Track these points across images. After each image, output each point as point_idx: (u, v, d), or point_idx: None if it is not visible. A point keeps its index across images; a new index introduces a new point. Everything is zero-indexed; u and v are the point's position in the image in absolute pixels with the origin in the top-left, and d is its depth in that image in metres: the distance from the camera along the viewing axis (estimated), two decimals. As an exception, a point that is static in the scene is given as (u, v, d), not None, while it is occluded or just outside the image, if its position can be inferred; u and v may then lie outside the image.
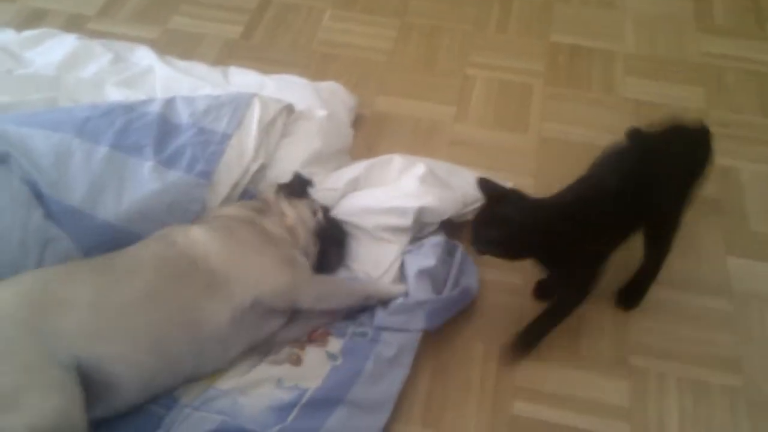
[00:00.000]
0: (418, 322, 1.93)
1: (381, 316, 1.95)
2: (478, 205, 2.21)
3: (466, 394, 1.92)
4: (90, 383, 1.60)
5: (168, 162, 1.99)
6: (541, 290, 2.08)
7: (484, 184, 1.77)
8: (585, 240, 1.78)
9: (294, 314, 1.94)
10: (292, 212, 2.07)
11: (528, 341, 1.96)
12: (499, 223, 1.70)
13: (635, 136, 1.93)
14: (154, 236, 1.90)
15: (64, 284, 1.69)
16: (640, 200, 1.84)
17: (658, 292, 2.07)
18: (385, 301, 1.98)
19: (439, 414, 1.87)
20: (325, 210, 2.15)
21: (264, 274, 1.86)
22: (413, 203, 2.08)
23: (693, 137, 1.99)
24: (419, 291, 1.97)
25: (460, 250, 2.11)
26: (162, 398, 1.77)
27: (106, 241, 1.88)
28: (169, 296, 1.75)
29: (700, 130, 2.00)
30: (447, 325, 2.00)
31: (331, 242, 2.10)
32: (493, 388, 1.92)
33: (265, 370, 1.84)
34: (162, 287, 1.76)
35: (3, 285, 1.69)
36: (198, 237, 1.87)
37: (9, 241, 1.80)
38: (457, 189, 2.20)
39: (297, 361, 1.86)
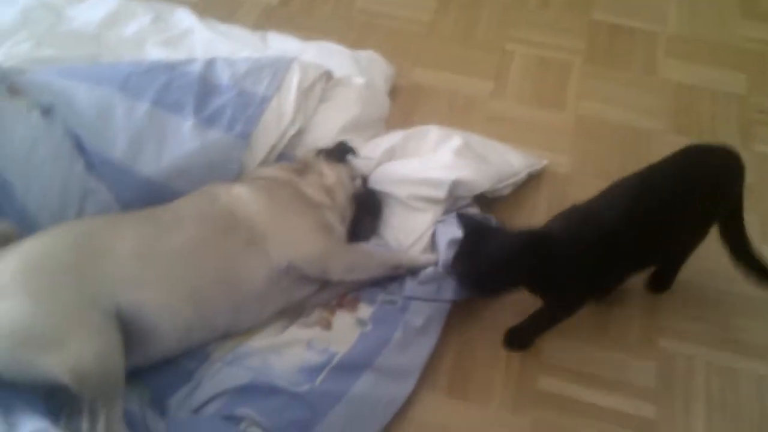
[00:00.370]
0: (448, 293, 1.94)
1: (410, 286, 1.96)
2: (512, 181, 2.22)
3: (492, 367, 1.93)
4: (129, 330, 1.63)
5: (208, 121, 2.01)
6: None
7: (464, 220, 1.75)
8: (573, 274, 1.73)
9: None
10: (332, 173, 2.08)
11: (521, 342, 1.96)
12: (481, 260, 1.67)
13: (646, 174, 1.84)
14: (196, 192, 1.93)
15: (109, 233, 1.72)
16: (644, 239, 1.75)
17: (690, 276, 2.05)
18: (414, 271, 1.98)
19: (464, 385, 1.89)
20: (364, 179, 2.16)
21: (299, 238, 1.88)
22: (448, 175, 2.07)
23: (716, 163, 1.86)
24: (448, 263, 1.96)
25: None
26: (194, 353, 1.80)
27: (145, 196, 1.91)
28: (210, 250, 1.78)
29: (727, 154, 1.88)
30: (475, 299, 2.00)
31: (366, 210, 2.11)
32: (520, 363, 1.93)
33: (295, 332, 1.86)
34: (203, 241, 1.78)
35: (51, 231, 1.72)
36: (240, 195, 1.90)
37: (51, 190, 1.83)
38: (492, 164, 2.19)
39: (327, 325, 1.88)
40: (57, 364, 1.49)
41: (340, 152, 2.15)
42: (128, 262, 1.68)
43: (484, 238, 1.71)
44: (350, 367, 1.79)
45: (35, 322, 1.52)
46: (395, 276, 1.99)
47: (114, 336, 1.57)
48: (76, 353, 1.50)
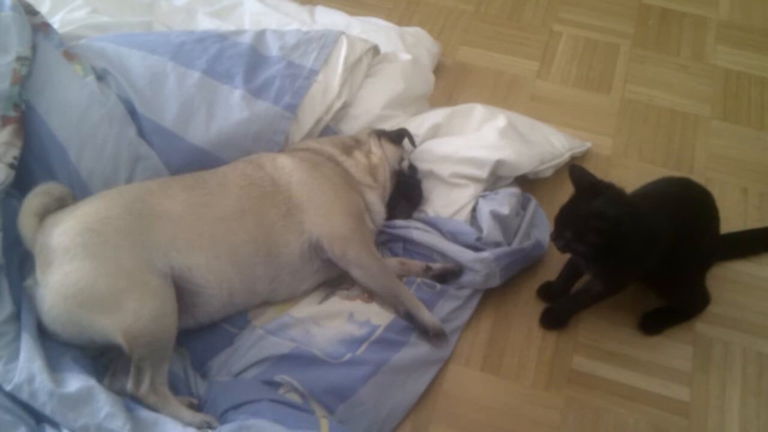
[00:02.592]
0: (494, 281, 1.96)
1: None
2: (555, 163, 2.22)
3: (526, 344, 1.94)
4: (179, 292, 1.68)
5: (257, 92, 2.03)
6: (545, 292, 2.03)
7: (576, 173, 1.70)
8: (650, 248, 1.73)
9: None
10: (379, 151, 2.10)
11: (558, 321, 1.97)
12: (592, 222, 1.63)
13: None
14: (243, 159, 1.97)
15: (160, 197, 1.76)
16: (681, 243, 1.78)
17: (732, 264, 2.04)
18: (411, 320, 1.87)
19: (497, 361, 1.91)
20: (413, 166, 2.17)
21: (331, 215, 1.89)
22: (491, 156, 2.09)
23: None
24: (493, 233, 1.99)
25: (534, 203, 2.12)
26: (235, 319, 1.85)
27: (193, 163, 1.95)
28: (253, 215, 1.82)
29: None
30: (512, 277, 2.02)
31: (404, 195, 2.12)
32: (555, 342, 1.95)
33: (337, 303, 1.90)
34: (247, 205, 1.82)
35: (106, 195, 1.76)
36: (284, 165, 1.93)
37: (103, 153, 1.86)
38: (535, 145, 2.20)
39: (368, 300, 1.91)
40: (114, 325, 1.55)
41: (397, 136, 2.16)
42: (178, 225, 1.72)
43: (596, 197, 1.67)
44: (389, 341, 1.82)
45: (96, 284, 1.57)
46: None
47: (169, 298, 1.63)
48: (132, 314, 1.55)
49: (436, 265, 1.99)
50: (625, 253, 1.69)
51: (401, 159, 2.14)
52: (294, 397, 1.69)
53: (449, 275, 1.97)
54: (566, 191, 2.20)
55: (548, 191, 2.24)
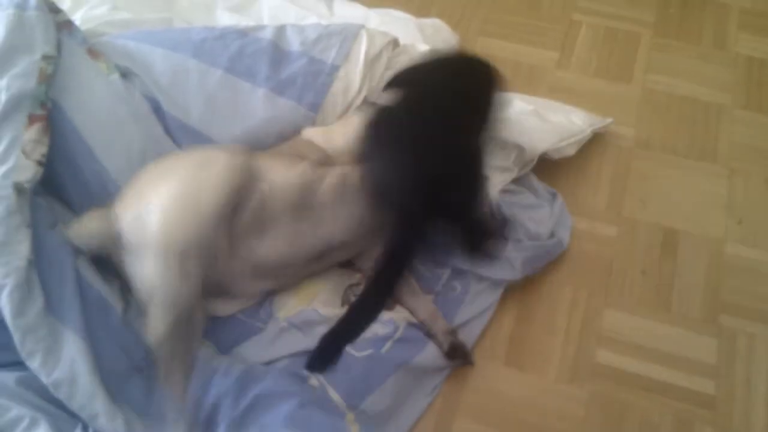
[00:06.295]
0: (515, 274, 1.97)
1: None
2: (576, 139, 2.22)
3: (550, 338, 1.94)
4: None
5: (280, 90, 2.02)
6: None
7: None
8: None
9: None
10: None
11: None
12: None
13: None
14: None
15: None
16: None
17: (755, 254, 2.04)
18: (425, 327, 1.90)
19: (521, 355, 1.91)
20: None
21: None
22: (511, 140, 2.09)
23: None
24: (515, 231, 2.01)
25: (560, 201, 2.13)
26: (258, 313, 1.85)
27: None
28: None
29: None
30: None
31: None
32: (578, 335, 1.94)
33: None
34: None
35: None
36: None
37: (130, 151, 1.86)
38: (554, 124, 2.20)
39: (391, 306, 1.90)
40: (158, 317, 1.53)
41: None
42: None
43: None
44: (413, 340, 1.83)
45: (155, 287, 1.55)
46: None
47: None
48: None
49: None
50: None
51: None
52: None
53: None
54: (589, 180, 2.25)
55: (571, 180, 2.25)
